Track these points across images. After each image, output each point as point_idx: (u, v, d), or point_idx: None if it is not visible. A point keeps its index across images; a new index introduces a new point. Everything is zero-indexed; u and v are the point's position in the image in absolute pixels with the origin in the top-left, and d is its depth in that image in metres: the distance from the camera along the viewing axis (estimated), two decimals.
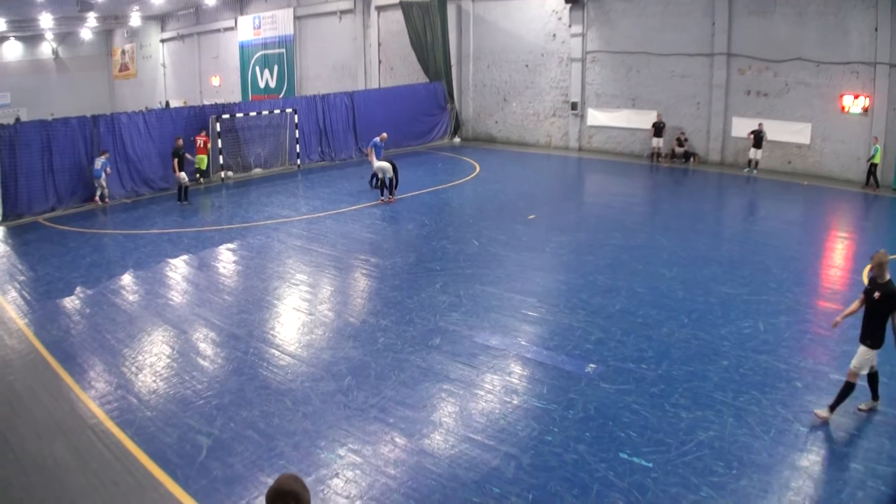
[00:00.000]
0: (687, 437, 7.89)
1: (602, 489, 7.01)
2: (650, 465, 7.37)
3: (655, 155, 26.34)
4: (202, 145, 23.99)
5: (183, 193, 21.59)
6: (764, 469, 7.27)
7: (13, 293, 13.85)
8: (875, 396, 8.48)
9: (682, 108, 25.99)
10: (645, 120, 26.52)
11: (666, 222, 17.80)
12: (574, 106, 29.15)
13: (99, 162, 20.88)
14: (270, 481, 7.24)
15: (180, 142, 21.81)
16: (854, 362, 8.17)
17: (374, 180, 21.63)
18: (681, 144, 25.78)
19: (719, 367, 9.61)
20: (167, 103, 45.44)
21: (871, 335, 8.14)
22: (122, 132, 22.37)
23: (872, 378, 8.36)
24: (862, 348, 8.17)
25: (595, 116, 28.85)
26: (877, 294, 8.12)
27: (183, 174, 21.39)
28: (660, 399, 8.77)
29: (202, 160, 24.11)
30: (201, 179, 24.33)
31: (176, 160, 21.35)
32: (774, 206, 20.21)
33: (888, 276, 8.12)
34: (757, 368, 9.53)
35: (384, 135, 22.67)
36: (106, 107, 48.21)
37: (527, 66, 30.78)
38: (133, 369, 10.27)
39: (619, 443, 7.82)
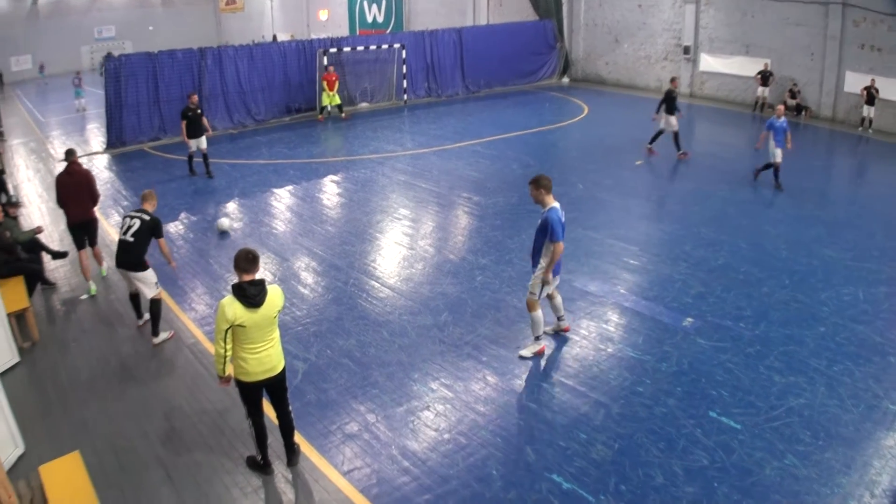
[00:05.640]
0: (778, 401, 7.77)
1: (688, 445, 7.04)
2: (738, 426, 7.32)
3: (761, 105, 25.10)
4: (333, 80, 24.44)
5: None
6: (849, 443, 7.08)
7: (117, 217, 14.60)
8: None
9: (796, 59, 24.50)
10: (758, 69, 25.14)
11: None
12: (686, 50, 28.00)
13: None
14: (363, 408, 7.74)
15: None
16: None
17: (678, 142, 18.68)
18: (793, 96, 24.44)
19: (816, 333, 9.33)
20: (274, 37, 45.94)
21: None
22: (229, 65, 23.05)
23: None
24: None
25: (707, 62, 27.66)
26: None
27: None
28: (754, 360, 8.64)
29: (333, 96, 24.53)
30: (342, 113, 24.95)
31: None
32: (883, 169, 19.00)
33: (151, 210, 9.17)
34: (853, 338, 9.19)
35: (780, 108, 16.38)
36: (212, 40, 49.16)
37: (639, 6, 29.66)
38: None
39: (709, 401, 7.79)
